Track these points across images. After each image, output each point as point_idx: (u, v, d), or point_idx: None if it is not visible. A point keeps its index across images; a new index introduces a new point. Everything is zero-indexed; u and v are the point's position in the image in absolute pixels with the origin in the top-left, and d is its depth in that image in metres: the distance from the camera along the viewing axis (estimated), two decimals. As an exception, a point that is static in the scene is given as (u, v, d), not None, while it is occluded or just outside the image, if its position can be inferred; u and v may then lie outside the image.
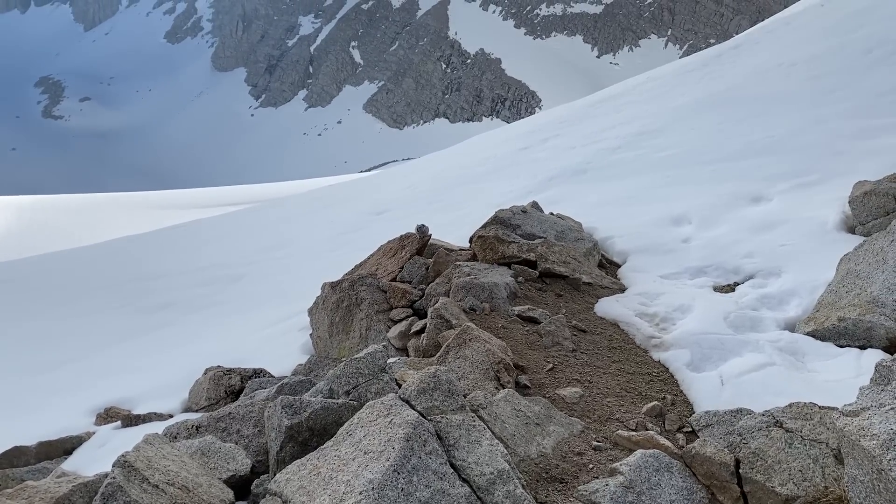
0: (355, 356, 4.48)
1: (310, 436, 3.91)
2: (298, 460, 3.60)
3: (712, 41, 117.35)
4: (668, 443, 4.08)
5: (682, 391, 4.96)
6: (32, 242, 28.10)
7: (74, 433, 6.64)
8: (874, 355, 4.96)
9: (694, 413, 4.49)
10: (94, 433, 6.64)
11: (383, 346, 4.98)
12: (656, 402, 4.64)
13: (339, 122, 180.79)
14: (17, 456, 6.23)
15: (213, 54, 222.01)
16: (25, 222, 34.48)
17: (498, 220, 7.89)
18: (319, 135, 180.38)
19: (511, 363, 4.91)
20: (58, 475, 4.96)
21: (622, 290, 6.92)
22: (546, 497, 3.69)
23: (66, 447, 6.40)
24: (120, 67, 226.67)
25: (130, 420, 6.67)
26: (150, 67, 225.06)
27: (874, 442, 2.96)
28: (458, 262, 6.87)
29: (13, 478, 5.66)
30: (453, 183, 19.18)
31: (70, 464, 5.98)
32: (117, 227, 30.20)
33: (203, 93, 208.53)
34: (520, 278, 6.68)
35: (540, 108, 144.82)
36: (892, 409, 3.08)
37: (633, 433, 4.21)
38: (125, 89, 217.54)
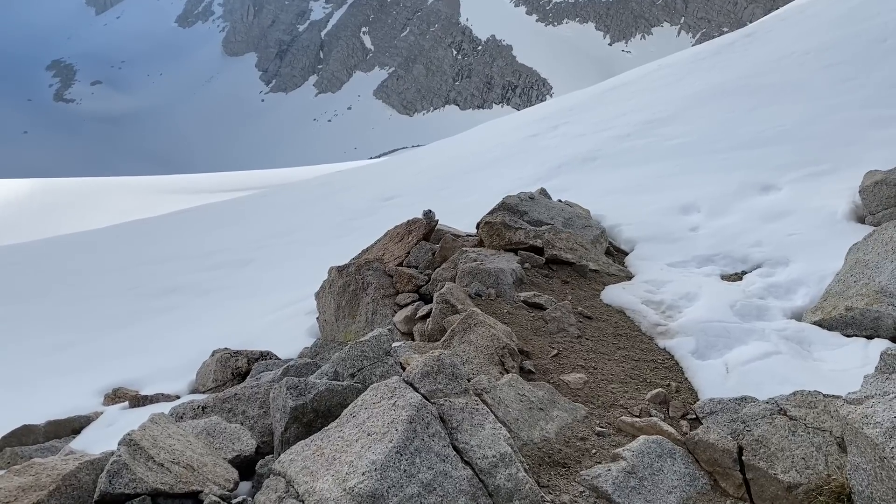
0: (360, 339, 4.50)
1: (314, 417, 3.93)
2: (302, 441, 3.62)
3: (725, 30, 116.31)
4: (671, 429, 4.08)
5: (686, 379, 4.96)
6: (43, 225, 28.25)
7: (83, 413, 6.71)
8: (881, 345, 4.94)
9: (698, 401, 4.49)
10: (101, 413, 6.71)
11: (388, 329, 4.99)
12: (661, 389, 4.65)
13: (350, 109, 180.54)
14: (26, 434, 6.30)
15: (223, 39, 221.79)
16: (36, 205, 34.65)
17: (505, 207, 7.89)
18: (329, 121, 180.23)
19: (516, 348, 4.92)
20: (65, 453, 5.00)
21: (629, 277, 6.91)
22: (548, 481, 3.70)
23: (74, 426, 6.47)
24: (131, 51, 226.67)
25: (138, 401, 6.73)
26: (160, 52, 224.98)
27: (877, 430, 2.95)
28: (464, 248, 6.86)
29: (22, 455, 5.73)
30: (462, 170, 19.15)
31: (78, 443, 6.04)
32: (127, 210, 30.32)
33: (213, 77, 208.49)
34: (526, 264, 6.67)
35: (551, 95, 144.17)
36: (896, 397, 3.07)
37: (637, 419, 4.21)
38: (136, 73, 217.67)
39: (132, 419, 6.12)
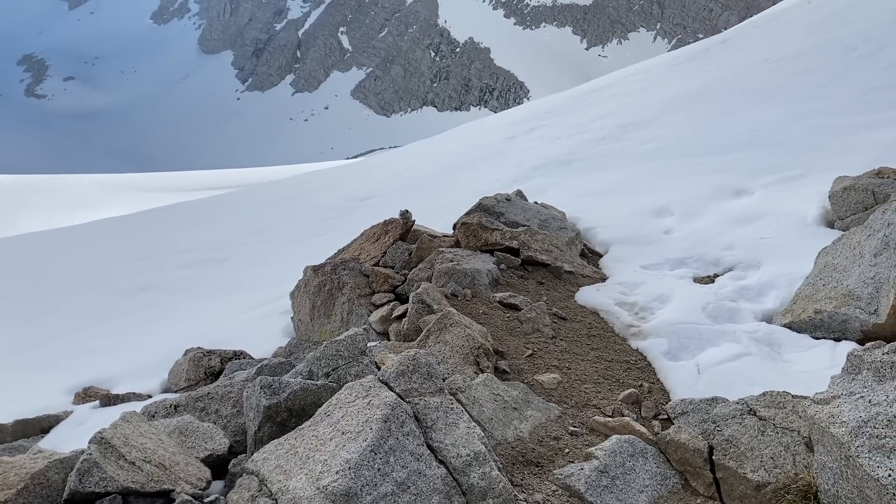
0: (336, 338, 4.49)
1: (288, 416, 3.91)
2: (276, 440, 3.60)
3: (700, 36, 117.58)
4: (643, 429, 4.13)
5: (659, 379, 5.01)
6: (14, 222, 27.82)
7: (52, 412, 6.59)
8: (848, 347, 5.03)
9: (670, 401, 4.54)
10: (71, 412, 6.60)
11: (364, 329, 4.99)
12: (633, 390, 4.69)
13: (327, 108, 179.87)
14: (-7, 433, 6.19)
15: (199, 36, 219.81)
16: (7, 202, 34.09)
17: (482, 208, 7.91)
18: (306, 120, 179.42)
19: (491, 348, 4.94)
20: (34, 452, 4.93)
21: (603, 279, 6.96)
22: (522, 480, 3.73)
23: (43, 426, 6.36)
24: (105, 47, 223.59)
25: (109, 399, 6.64)
26: (135, 48, 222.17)
27: (843, 429, 3.01)
28: (441, 248, 6.88)
29: (-11, 455, 5.62)
30: (439, 171, 19.16)
31: (47, 442, 5.95)
32: (100, 208, 29.95)
33: (189, 75, 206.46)
34: (502, 265, 6.70)
35: (528, 98, 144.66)
36: (861, 397, 3.13)
37: (610, 419, 4.25)
38: (110, 70, 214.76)
39: (103, 418, 6.04)
